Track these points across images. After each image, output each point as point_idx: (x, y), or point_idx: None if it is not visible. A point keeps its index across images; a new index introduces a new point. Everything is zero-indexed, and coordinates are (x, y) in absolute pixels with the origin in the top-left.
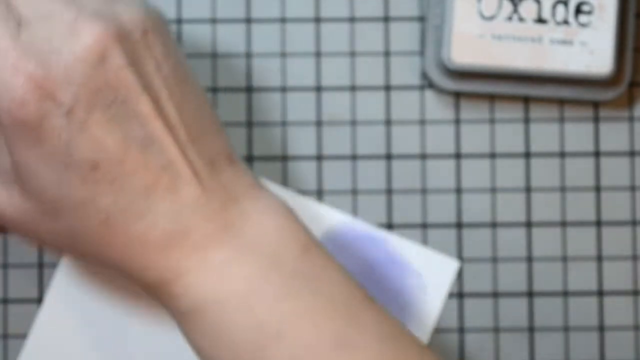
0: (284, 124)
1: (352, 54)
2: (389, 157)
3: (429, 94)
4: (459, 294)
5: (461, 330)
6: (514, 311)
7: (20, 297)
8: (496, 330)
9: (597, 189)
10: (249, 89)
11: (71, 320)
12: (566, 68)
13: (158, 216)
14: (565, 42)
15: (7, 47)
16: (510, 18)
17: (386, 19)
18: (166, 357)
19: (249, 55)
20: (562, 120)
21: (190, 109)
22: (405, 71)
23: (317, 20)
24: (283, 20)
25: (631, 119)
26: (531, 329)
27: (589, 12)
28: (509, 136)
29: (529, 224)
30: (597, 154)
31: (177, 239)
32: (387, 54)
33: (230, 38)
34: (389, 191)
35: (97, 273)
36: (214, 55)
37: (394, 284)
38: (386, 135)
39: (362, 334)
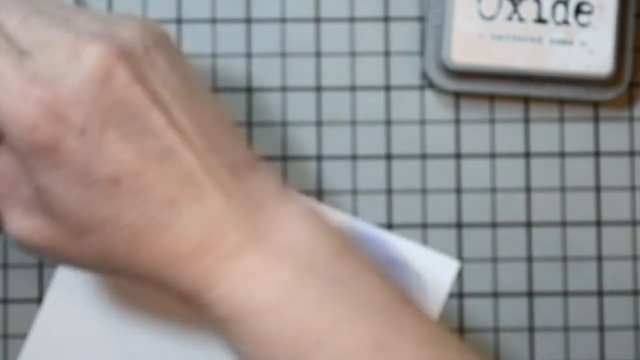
0: (284, 124)
1: (352, 54)
2: (389, 157)
3: (429, 94)
4: (459, 294)
5: (461, 330)
6: (514, 311)
7: (20, 297)
8: (496, 330)
9: (597, 189)
10: (249, 89)
11: (71, 320)
12: (566, 68)
13: (185, 227)
14: (565, 42)
15: (12, 76)
16: (510, 18)
17: (386, 19)
18: (166, 357)
19: (249, 55)
20: (562, 120)
21: (205, 119)
22: (405, 71)
23: (317, 20)
24: (283, 20)
25: (631, 119)
26: (531, 329)
27: (589, 12)
28: (509, 136)
29: (529, 224)
30: (597, 154)
31: (207, 248)
32: (387, 54)
33: (230, 38)
34: (389, 191)
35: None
36: (214, 55)
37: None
38: (386, 135)
39: (400, 337)
